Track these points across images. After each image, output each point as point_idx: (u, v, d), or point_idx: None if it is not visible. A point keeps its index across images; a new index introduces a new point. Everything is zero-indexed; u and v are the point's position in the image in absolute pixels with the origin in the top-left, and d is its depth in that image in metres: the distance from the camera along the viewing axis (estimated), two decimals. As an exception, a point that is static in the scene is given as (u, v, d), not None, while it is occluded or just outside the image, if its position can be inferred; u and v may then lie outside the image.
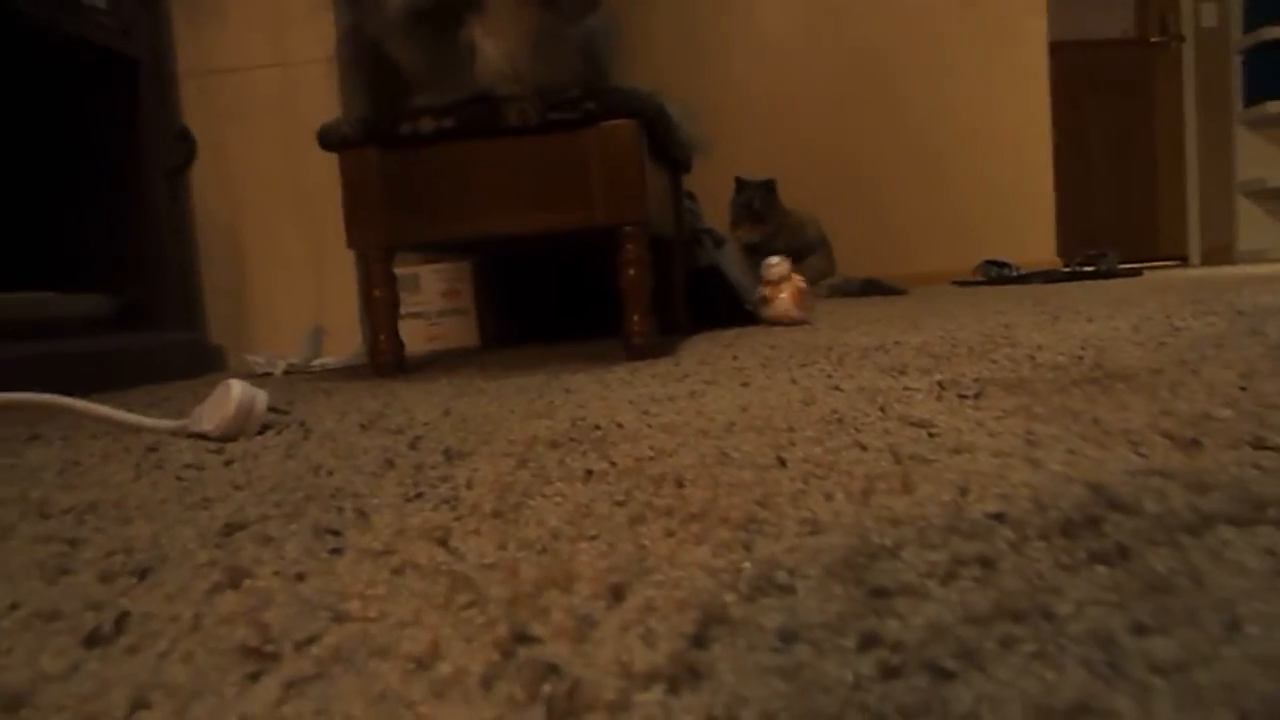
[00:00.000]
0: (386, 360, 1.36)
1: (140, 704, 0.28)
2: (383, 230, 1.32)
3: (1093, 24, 5.20)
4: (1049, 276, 3.19)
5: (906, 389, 0.81)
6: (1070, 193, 4.88)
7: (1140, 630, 0.28)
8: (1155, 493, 0.42)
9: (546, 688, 0.27)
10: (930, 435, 0.59)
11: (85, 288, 1.57)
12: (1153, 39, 5.11)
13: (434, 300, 1.89)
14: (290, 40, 1.73)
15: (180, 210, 1.68)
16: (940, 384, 0.82)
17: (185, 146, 1.66)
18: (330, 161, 1.35)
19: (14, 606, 0.39)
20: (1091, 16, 5.13)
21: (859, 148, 3.77)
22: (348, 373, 1.52)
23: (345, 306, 1.88)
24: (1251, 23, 4.47)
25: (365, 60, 1.31)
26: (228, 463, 0.70)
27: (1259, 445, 0.50)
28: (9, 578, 0.43)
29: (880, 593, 0.32)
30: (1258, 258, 4.51)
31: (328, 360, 1.66)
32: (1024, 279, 3.19)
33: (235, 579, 0.40)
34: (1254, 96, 4.49)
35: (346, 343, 1.85)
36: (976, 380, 0.82)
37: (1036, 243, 3.79)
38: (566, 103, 1.29)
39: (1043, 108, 3.76)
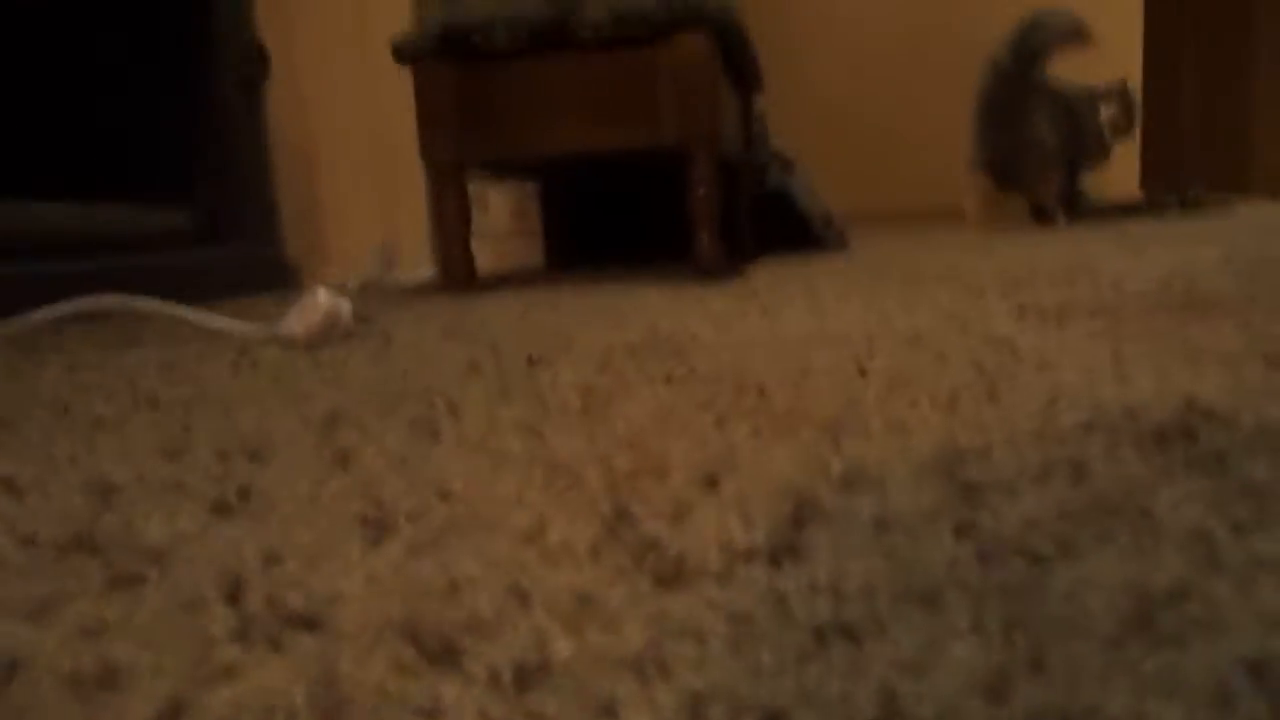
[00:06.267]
0: (459, 275, 1.38)
1: (273, 560, 0.30)
2: (456, 145, 1.33)
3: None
4: (1128, 209, 3.06)
5: (985, 311, 0.80)
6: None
7: (1239, 529, 0.28)
8: (1252, 408, 0.41)
9: (651, 558, 0.29)
10: (1013, 353, 0.59)
11: (161, 201, 1.61)
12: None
13: (502, 220, 1.90)
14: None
15: (256, 124, 1.70)
16: (1021, 306, 0.81)
17: (259, 61, 1.67)
18: (404, 76, 1.35)
19: (140, 478, 0.42)
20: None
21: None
22: (420, 288, 1.55)
23: (415, 224, 1.90)
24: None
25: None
26: (318, 365, 0.73)
27: (1361, 368, 0.48)
28: (131, 455, 0.46)
29: (972, 488, 0.33)
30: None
31: (399, 276, 1.69)
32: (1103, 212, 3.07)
33: (344, 460, 0.42)
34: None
35: (417, 260, 1.88)
36: (1058, 304, 0.81)
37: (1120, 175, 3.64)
38: (639, 15, 1.27)
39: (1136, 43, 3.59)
